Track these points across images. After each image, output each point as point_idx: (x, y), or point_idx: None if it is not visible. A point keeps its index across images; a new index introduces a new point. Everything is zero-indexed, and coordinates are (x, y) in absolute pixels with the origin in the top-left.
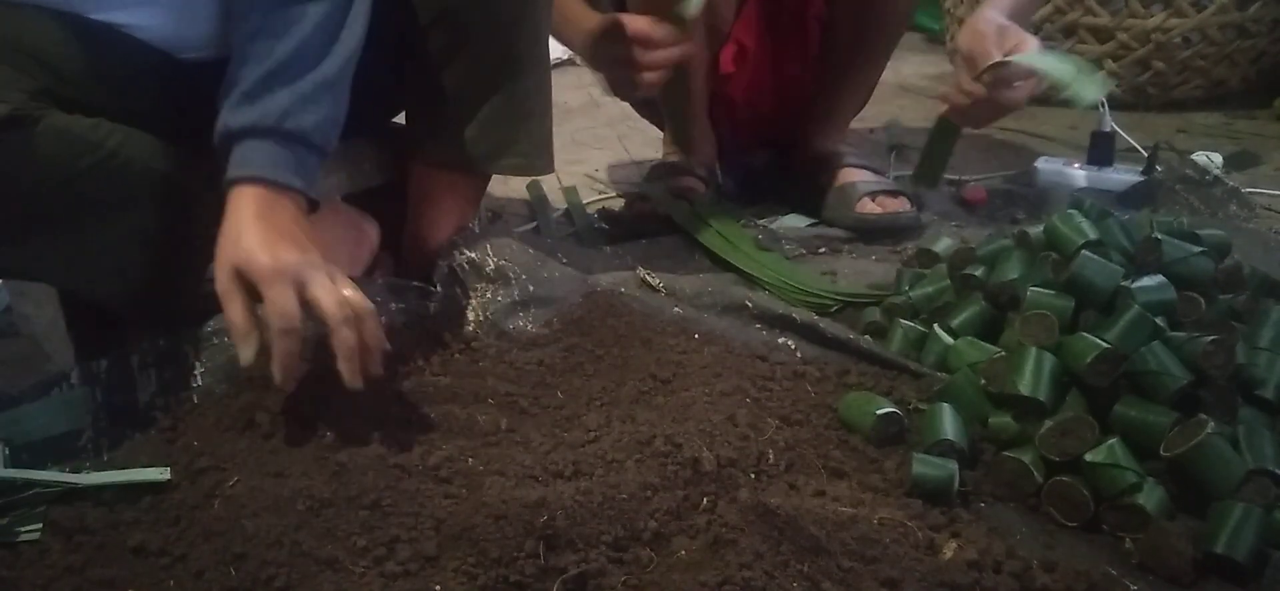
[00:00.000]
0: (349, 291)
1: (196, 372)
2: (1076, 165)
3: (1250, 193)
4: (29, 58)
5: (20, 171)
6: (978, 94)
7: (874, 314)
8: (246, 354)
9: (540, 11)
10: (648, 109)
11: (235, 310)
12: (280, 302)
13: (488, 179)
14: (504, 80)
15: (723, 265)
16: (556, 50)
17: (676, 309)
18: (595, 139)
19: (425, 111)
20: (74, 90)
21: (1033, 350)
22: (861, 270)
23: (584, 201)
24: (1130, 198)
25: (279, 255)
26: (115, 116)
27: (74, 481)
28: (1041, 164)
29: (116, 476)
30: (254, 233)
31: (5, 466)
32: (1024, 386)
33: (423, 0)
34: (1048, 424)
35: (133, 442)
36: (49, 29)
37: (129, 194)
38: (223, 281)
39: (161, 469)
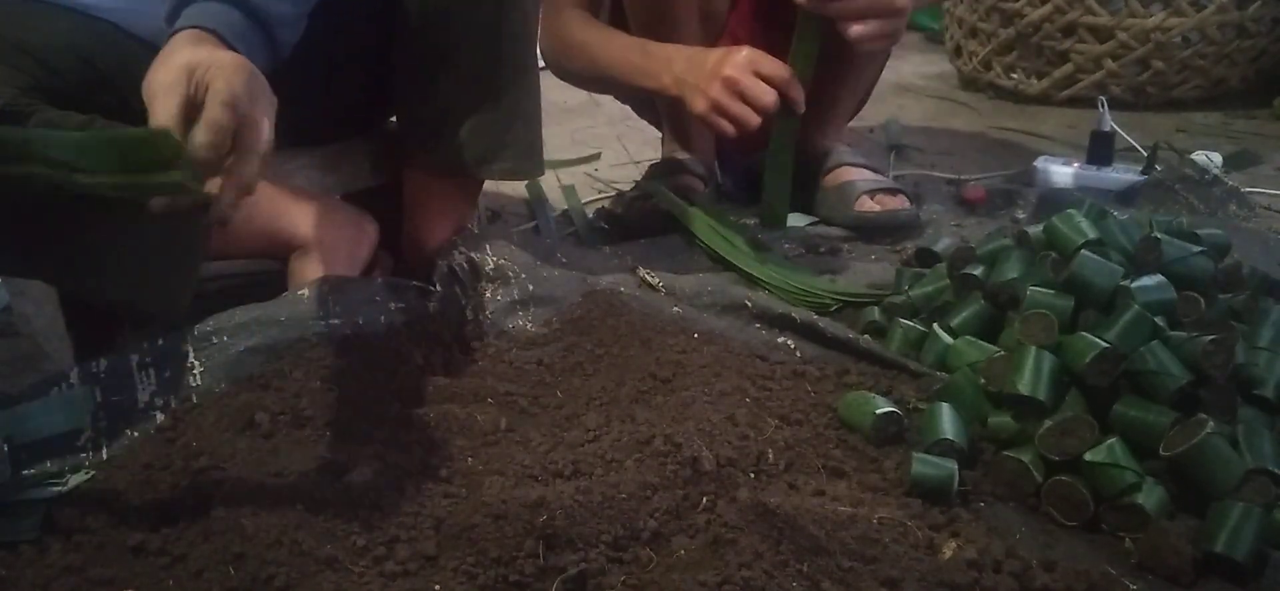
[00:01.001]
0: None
1: (196, 372)
2: (1076, 165)
3: (1250, 192)
4: (19, 52)
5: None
6: None
7: (874, 313)
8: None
9: (527, 17)
10: (647, 109)
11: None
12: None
13: (481, 183)
14: (493, 86)
15: (722, 265)
16: None
17: (676, 309)
18: (595, 139)
19: (416, 118)
20: (64, 85)
21: (1032, 350)
22: (861, 269)
23: (584, 201)
24: (1129, 197)
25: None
26: (107, 112)
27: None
28: (1041, 164)
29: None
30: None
31: (6, 465)
32: (1023, 386)
33: (411, 6)
34: (1047, 423)
35: (133, 442)
36: (37, 22)
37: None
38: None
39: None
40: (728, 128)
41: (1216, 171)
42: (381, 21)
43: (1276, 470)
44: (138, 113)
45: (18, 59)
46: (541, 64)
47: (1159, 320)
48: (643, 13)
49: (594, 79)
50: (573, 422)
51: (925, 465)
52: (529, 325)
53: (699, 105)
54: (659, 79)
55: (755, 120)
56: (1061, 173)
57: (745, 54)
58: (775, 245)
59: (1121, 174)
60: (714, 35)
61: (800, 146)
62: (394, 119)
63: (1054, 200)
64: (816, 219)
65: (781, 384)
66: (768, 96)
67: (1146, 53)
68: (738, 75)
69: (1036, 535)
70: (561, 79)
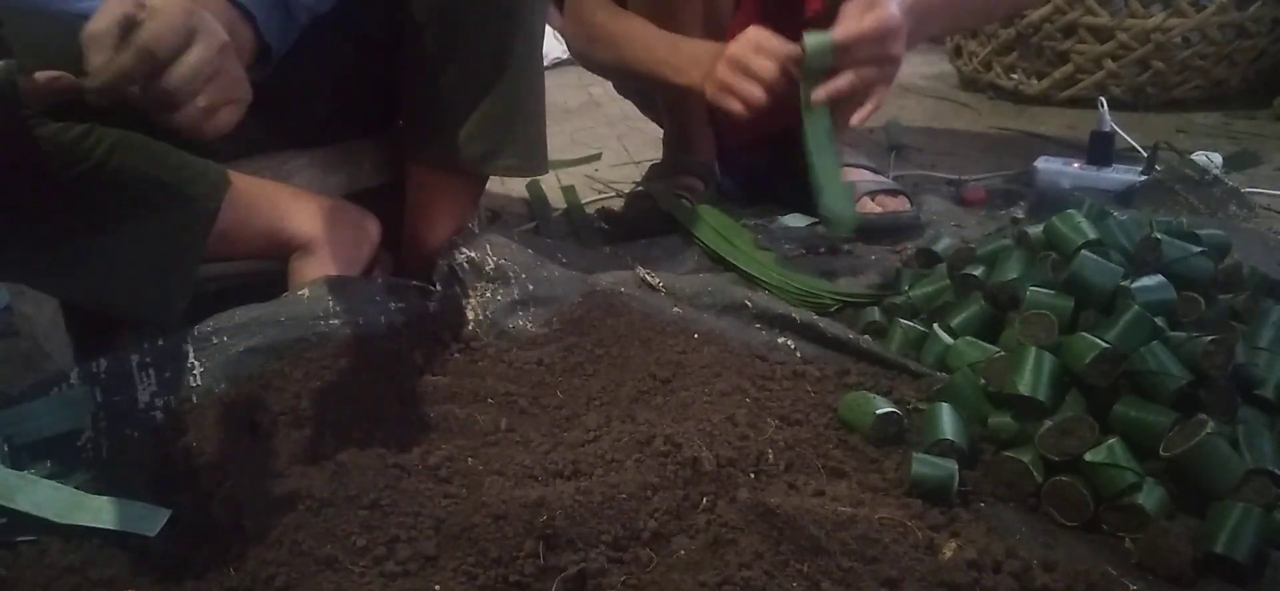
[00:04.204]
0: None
1: (196, 372)
2: (1076, 165)
3: (1250, 193)
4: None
5: (9, 177)
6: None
7: (874, 314)
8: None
9: (533, 14)
10: (649, 108)
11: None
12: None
13: (484, 180)
14: (498, 83)
15: (722, 265)
16: (556, 50)
17: (676, 309)
18: (595, 139)
19: (421, 114)
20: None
21: (1032, 350)
22: (861, 270)
23: (584, 201)
24: (1129, 197)
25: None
26: (108, 118)
27: (52, 519)
28: (1041, 164)
29: (102, 519)
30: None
31: (6, 465)
32: (1024, 386)
33: (417, 3)
34: (1047, 424)
35: (133, 442)
36: (35, 30)
37: (120, 201)
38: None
39: (155, 511)
40: (735, 105)
41: (1216, 172)
42: (388, 21)
43: (1276, 470)
44: (129, 115)
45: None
46: (565, 56)
47: (1159, 320)
48: (648, 14)
49: (618, 69)
50: (573, 422)
51: (925, 465)
52: (529, 325)
53: (709, 88)
54: (688, 74)
55: (759, 95)
56: (1061, 173)
57: (752, 33)
58: (775, 246)
59: (1121, 174)
60: (717, 38)
61: (801, 147)
62: (400, 120)
63: (1054, 200)
64: (816, 219)
65: (781, 384)
66: (768, 68)
67: (1146, 53)
68: (740, 52)
69: (1036, 535)
70: (587, 67)
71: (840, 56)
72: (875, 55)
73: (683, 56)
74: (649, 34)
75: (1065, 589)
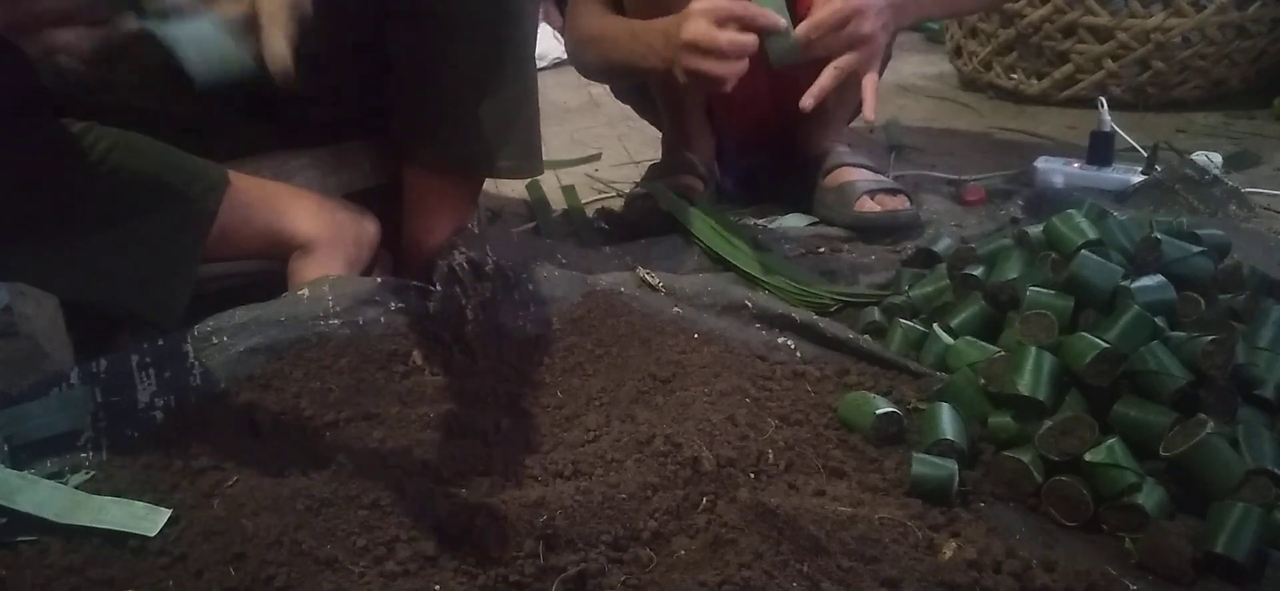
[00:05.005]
0: None
1: (196, 372)
2: (1076, 165)
3: (1250, 193)
4: None
5: (8, 176)
6: None
7: (874, 314)
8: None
9: (527, 15)
10: (648, 109)
11: None
12: None
13: (481, 182)
14: (492, 84)
15: (722, 265)
16: (555, 50)
17: (676, 309)
18: (595, 139)
19: (416, 116)
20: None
21: (1032, 350)
22: (861, 269)
23: (584, 201)
24: (1129, 197)
25: None
26: (107, 117)
27: (52, 519)
28: (1041, 164)
29: (102, 519)
30: None
31: (6, 465)
32: (1024, 386)
33: (412, 5)
34: (1047, 424)
35: (133, 442)
36: None
37: (119, 201)
38: None
39: (155, 511)
40: (713, 87)
41: (1216, 172)
42: (379, 22)
43: (1276, 470)
44: (131, 115)
45: None
46: (566, 56)
47: (1159, 320)
48: (641, 12)
49: (606, 71)
50: (573, 422)
51: (925, 465)
52: (529, 325)
53: (681, 78)
54: (647, 60)
55: (735, 69)
56: (1061, 172)
57: (702, 8)
58: (775, 246)
59: (1121, 174)
60: None
61: (800, 147)
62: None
63: (1054, 200)
64: (816, 219)
65: (781, 384)
66: (736, 45)
67: (1146, 53)
68: (698, 36)
69: (1036, 535)
70: (584, 75)
71: (808, 50)
72: (843, 41)
73: (641, 44)
74: (618, 29)
75: (1065, 589)
